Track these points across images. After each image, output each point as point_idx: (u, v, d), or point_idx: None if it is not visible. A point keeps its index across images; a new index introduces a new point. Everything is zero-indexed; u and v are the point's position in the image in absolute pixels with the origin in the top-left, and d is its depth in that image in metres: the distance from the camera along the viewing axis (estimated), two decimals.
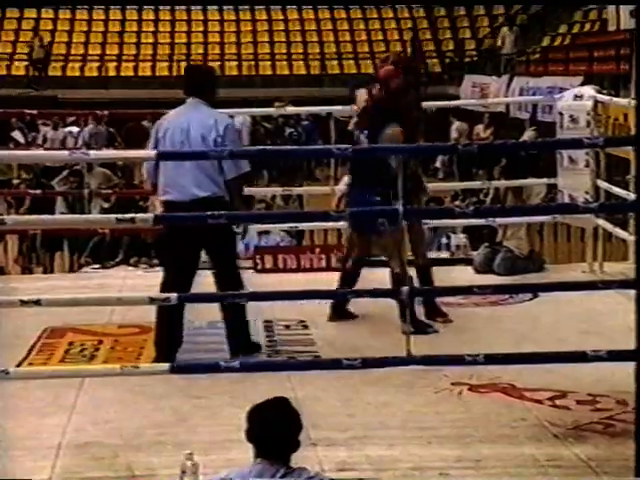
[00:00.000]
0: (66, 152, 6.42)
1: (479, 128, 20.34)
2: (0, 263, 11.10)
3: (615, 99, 8.34)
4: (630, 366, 4.95)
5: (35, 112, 10.90)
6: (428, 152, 5.81)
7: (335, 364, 4.63)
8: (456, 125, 21.21)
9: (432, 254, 10.49)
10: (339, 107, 9.65)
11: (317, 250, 8.59)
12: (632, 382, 5.10)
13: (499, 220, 8.11)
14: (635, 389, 4.25)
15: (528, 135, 16.46)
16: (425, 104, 7.72)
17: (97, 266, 10.22)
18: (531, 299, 7.05)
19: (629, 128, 8.77)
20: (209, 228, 5.22)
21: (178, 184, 5.73)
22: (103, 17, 29.69)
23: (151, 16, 29.90)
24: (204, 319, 6.48)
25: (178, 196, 5.72)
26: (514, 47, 22.91)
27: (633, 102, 8.10)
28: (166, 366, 4.75)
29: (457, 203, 13.13)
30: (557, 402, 5.07)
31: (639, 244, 4.31)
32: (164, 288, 5.61)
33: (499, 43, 23.25)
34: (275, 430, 3.41)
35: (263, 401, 3.51)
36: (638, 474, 4.28)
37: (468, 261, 8.65)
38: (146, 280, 8.45)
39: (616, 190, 7.89)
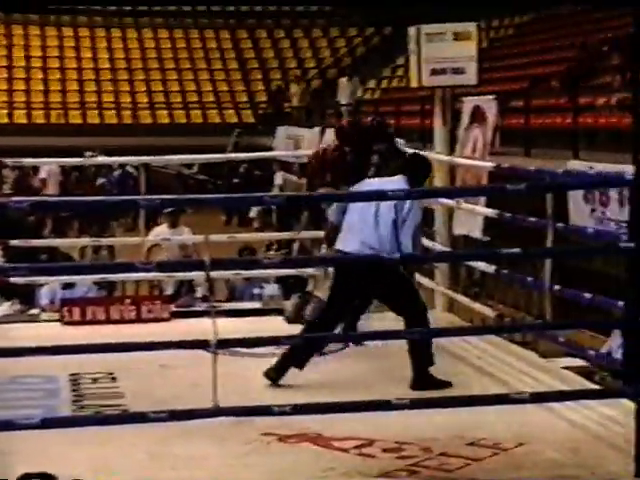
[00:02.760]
0: None
1: (294, 177, 20.77)
2: None
3: (422, 152, 8.63)
4: (434, 413, 5.14)
5: None
6: (236, 204, 5.84)
7: (141, 417, 4.58)
8: (280, 175, 21.52)
9: (245, 304, 10.62)
10: (151, 157, 9.64)
11: (127, 301, 8.50)
12: (435, 429, 5.29)
13: (309, 270, 8.22)
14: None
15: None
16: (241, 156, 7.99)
17: None
18: (342, 349, 7.17)
19: (432, 179, 9.08)
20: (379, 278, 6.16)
21: (352, 238, 6.39)
22: None
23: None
24: (7, 374, 6.29)
25: (345, 248, 6.40)
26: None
27: (436, 155, 8.47)
28: None
29: (272, 253, 13.28)
30: (364, 450, 5.15)
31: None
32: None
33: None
34: None
35: None
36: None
37: (280, 311, 8.72)
38: None
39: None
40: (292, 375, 6.63)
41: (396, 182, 6.53)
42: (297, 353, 6.40)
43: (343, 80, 23.16)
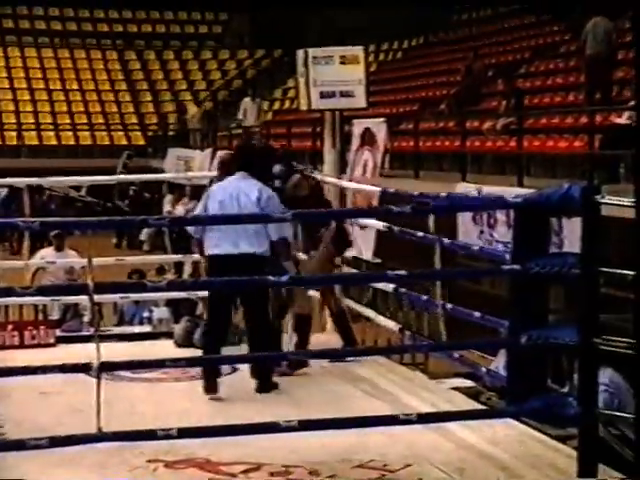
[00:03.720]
0: None
1: (185, 200, 20.62)
2: None
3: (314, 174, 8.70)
4: (322, 435, 5.14)
5: None
6: (120, 226, 5.80)
7: (19, 445, 4.46)
8: (169, 198, 21.17)
9: (134, 328, 10.47)
10: (38, 179, 9.45)
11: (9, 327, 8.29)
12: (324, 452, 5.29)
13: (200, 293, 8.16)
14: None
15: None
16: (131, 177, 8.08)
17: None
18: (230, 373, 7.12)
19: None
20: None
21: (229, 240, 6.57)
22: None
23: None
24: None
25: (229, 250, 6.59)
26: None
27: (326, 177, 8.53)
28: None
29: (168, 276, 13.15)
30: (251, 475, 5.10)
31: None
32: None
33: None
34: None
35: None
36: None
37: (170, 335, 8.63)
38: None
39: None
40: (180, 400, 6.57)
41: (242, 178, 6.81)
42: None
43: (247, 100, 22.57)
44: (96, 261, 6.85)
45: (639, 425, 4.51)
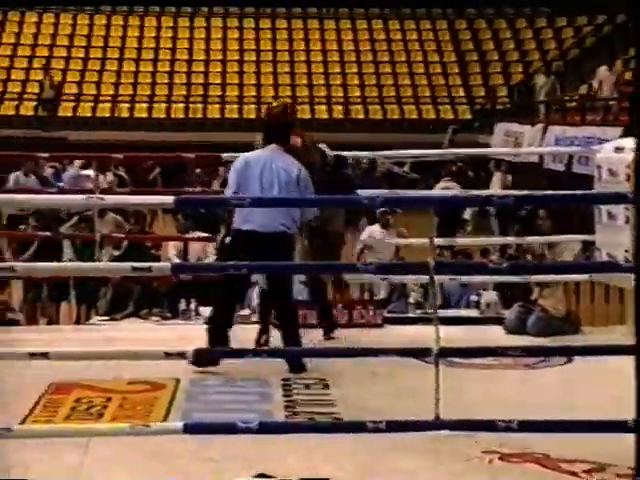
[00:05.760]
0: (82, 196, 6.46)
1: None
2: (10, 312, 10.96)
3: None
4: None
5: (46, 155, 11.10)
6: (465, 203, 5.85)
7: (359, 427, 4.60)
8: (498, 176, 20.94)
9: (461, 311, 10.53)
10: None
11: (340, 305, 8.58)
12: None
13: (534, 278, 8.08)
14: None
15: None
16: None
17: (105, 318, 10.22)
18: (566, 363, 7.00)
19: None
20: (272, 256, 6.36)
21: (262, 217, 6.71)
22: (117, 56, 30.01)
23: (167, 56, 30.20)
24: (220, 377, 6.48)
25: (259, 228, 6.73)
26: (549, 95, 22.48)
27: None
28: (179, 425, 4.72)
29: (492, 258, 13.12)
30: (595, 475, 4.99)
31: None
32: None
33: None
34: None
35: None
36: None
37: (499, 320, 8.62)
38: (158, 333, 8.47)
39: None
40: (513, 390, 6.53)
41: (278, 152, 6.96)
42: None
43: (603, 70, 22.28)
44: (419, 241, 6.94)
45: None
